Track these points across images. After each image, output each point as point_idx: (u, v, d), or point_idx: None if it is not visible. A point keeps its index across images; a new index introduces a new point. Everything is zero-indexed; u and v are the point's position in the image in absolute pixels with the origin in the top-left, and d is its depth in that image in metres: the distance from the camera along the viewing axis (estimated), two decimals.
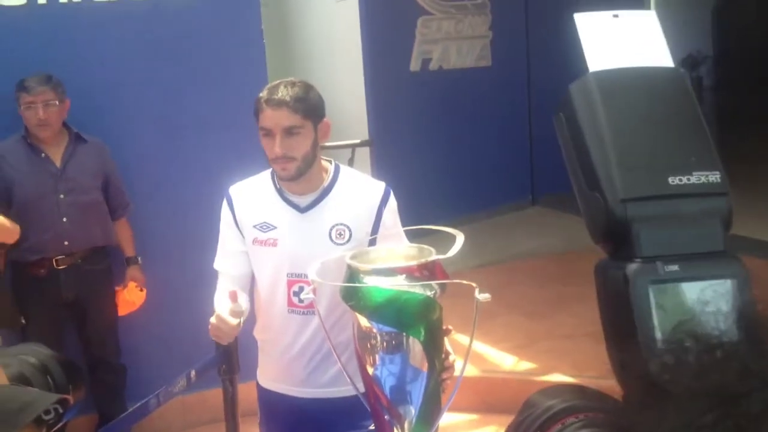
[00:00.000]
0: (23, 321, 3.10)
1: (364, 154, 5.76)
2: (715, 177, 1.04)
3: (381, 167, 5.50)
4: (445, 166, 6.28)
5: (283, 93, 1.85)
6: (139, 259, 3.42)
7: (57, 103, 3.09)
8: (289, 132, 1.85)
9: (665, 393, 0.60)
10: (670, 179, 1.03)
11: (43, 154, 3.15)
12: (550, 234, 6.01)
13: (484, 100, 6.52)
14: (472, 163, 6.50)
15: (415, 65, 6.24)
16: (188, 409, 3.51)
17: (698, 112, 1.10)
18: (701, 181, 1.03)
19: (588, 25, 1.19)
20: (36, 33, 3.25)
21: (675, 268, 0.99)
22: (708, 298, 0.96)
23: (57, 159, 3.16)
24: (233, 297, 1.80)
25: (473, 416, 3.60)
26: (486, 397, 3.58)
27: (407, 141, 6.04)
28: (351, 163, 5.64)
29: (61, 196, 3.14)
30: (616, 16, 1.20)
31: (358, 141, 5.69)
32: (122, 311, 3.40)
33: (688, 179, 1.03)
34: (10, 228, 2.85)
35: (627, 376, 0.78)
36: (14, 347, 0.90)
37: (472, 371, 2.75)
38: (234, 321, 1.76)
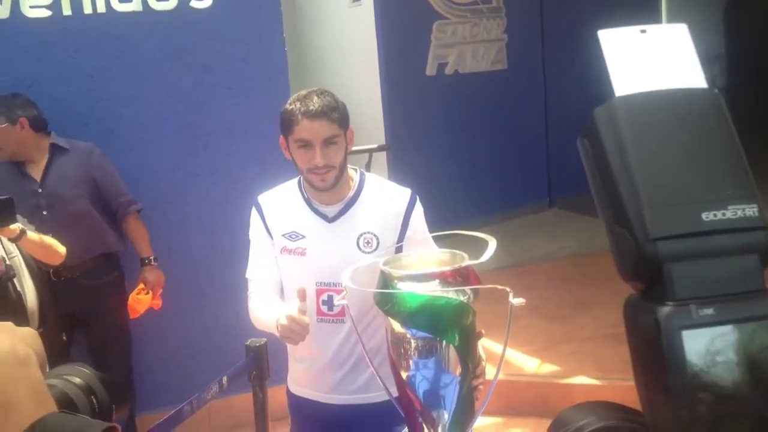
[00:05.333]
0: (64, 338, 3.06)
1: (381, 158, 5.78)
2: (752, 210, 0.98)
3: (398, 172, 5.52)
4: (462, 169, 6.28)
5: (319, 103, 1.85)
6: (152, 259, 3.29)
7: None
8: (329, 142, 1.86)
9: None
10: (703, 215, 0.97)
11: (25, 172, 3.11)
12: (568, 236, 6.00)
13: (500, 104, 6.52)
14: (489, 167, 6.50)
15: (431, 69, 6.24)
16: (214, 415, 3.53)
17: (734, 137, 1.05)
18: (737, 216, 0.97)
19: (613, 43, 1.14)
20: (62, 44, 3.29)
21: (710, 311, 0.94)
22: (745, 343, 0.92)
23: (38, 176, 3.11)
24: (302, 296, 1.72)
25: (497, 419, 3.61)
26: (510, 400, 3.58)
27: (424, 145, 6.05)
28: (368, 167, 5.66)
29: (44, 212, 3.07)
30: (643, 31, 1.15)
31: (375, 146, 5.71)
32: (131, 315, 3.28)
33: (724, 214, 0.97)
34: (59, 251, 2.80)
35: (657, 422, 0.74)
36: (57, 368, 0.89)
37: None
38: (307, 319, 1.72)
